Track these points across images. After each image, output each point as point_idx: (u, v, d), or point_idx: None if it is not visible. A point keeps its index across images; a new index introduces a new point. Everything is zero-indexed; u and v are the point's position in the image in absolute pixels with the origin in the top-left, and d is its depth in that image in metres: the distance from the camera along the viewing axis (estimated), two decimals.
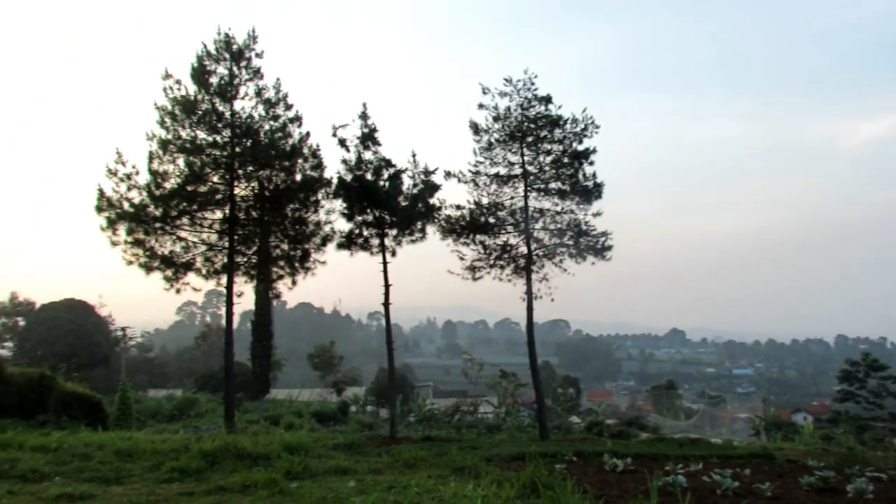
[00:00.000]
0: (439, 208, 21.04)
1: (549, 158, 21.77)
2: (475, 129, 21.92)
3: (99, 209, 18.25)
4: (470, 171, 21.92)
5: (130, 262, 18.60)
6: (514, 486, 7.40)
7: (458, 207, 21.67)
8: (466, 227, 21.67)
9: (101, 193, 18.27)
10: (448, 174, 21.43)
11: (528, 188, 21.85)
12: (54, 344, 46.25)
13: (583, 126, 21.28)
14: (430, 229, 20.94)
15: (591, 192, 21.36)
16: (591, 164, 21.39)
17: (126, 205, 18.36)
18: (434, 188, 20.43)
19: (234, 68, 19.88)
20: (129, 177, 18.50)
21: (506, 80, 21.51)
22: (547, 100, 21.40)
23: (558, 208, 21.84)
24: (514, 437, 23.71)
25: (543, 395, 23.22)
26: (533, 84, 21.39)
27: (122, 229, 18.36)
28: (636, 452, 13.54)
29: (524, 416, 37.88)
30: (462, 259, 22.09)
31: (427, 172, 20.29)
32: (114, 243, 18.37)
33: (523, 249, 21.93)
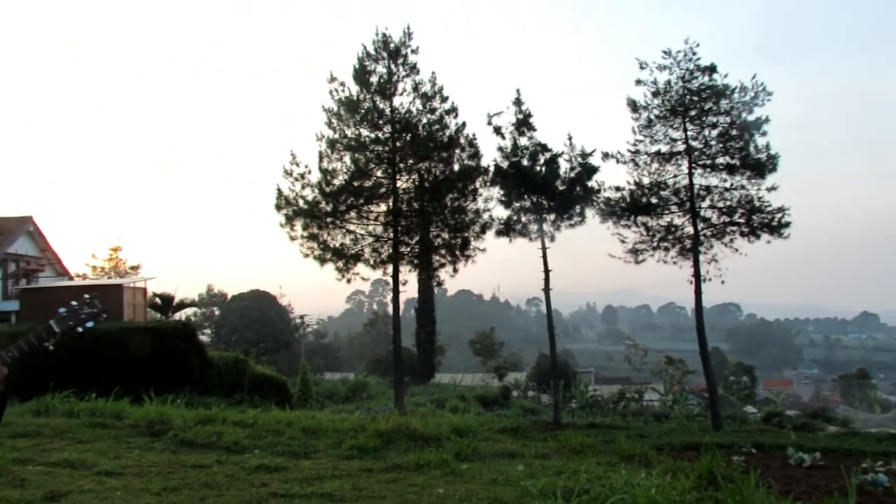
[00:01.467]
0: (598, 191, 20.54)
1: (714, 132, 20.43)
2: (633, 106, 21.09)
3: (278, 207, 19.91)
4: (629, 150, 21.15)
5: (307, 255, 20.13)
6: (690, 476, 7.08)
7: (618, 189, 21.00)
8: (627, 208, 20.95)
9: (280, 192, 19.92)
10: (606, 155, 20.83)
11: (693, 165, 20.67)
12: (244, 331, 51.21)
13: (752, 94, 19.72)
14: (589, 212, 20.53)
15: (763, 166, 19.77)
16: (764, 134, 19.80)
17: (301, 202, 19.88)
18: (592, 170, 19.98)
19: (392, 66, 20.72)
20: (302, 176, 19.99)
21: (664, 52, 20.46)
22: (711, 69, 20.08)
23: (727, 184, 20.44)
24: (683, 426, 22.69)
25: (715, 382, 21.97)
26: (694, 54, 20.16)
27: (298, 225, 19.92)
28: (825, 447, 12.40)
29: (693, 404, 36.05)
30: (623, 242, 21.40)
31: (584, 155, 19.88)
32: (292, 238, 19.98)
33: (689, 230, 20.81)
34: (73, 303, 2.35)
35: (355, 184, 20.24)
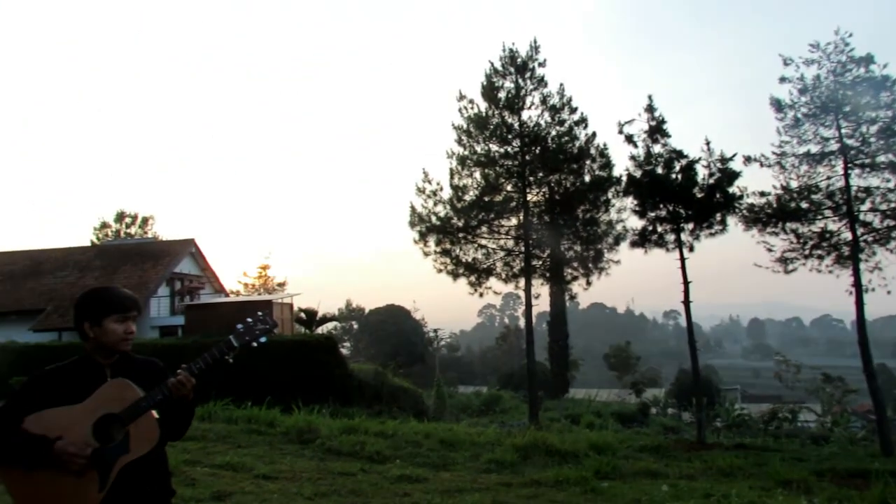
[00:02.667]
0: (740, 197, 19.28)
1: (874, 128, 18.60)
2: (777, 105, 19.66)
3: (411, 224, 20.52)
4: (773, 152, 19.68)
5: (440, 270, 20.56)
6: None
7: (763, 194, 19.60)
8: (774, 214, 19.49)
9: (413, 210, 20.54)
10: (748, 159, 19.53)
11: (849, 165, 18.93)
12: (381, 344, 53.07)
13: None
14: (731, 220, 19.34)
15: None
16: None
17: (433, 218, 20.37)
18: (733, 176, 18.84)
19: (520, 81, 20.79)
20: (434, 193, 20.50)
21: (811, 45, 18.96)
22: (867, 60, 18.35)
23: (890, 185, 18.52)
24: (847, 450, 20.65)
25: (883, 402, 19.85)
26: (847, 45, 18.51)
27: (431, 241, 20.42)
28: None
29: (856, 427, 32.75)
30: (770, 251, 19.90)
31: (723, 160, 18.80)
32: (426, 254, 20.50)
33: (847, 235, 19.01)
34: (248, 319, 2.55)
35: (486, 199, 20.44)
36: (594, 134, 20.38)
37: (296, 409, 12.54)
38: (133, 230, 49.87)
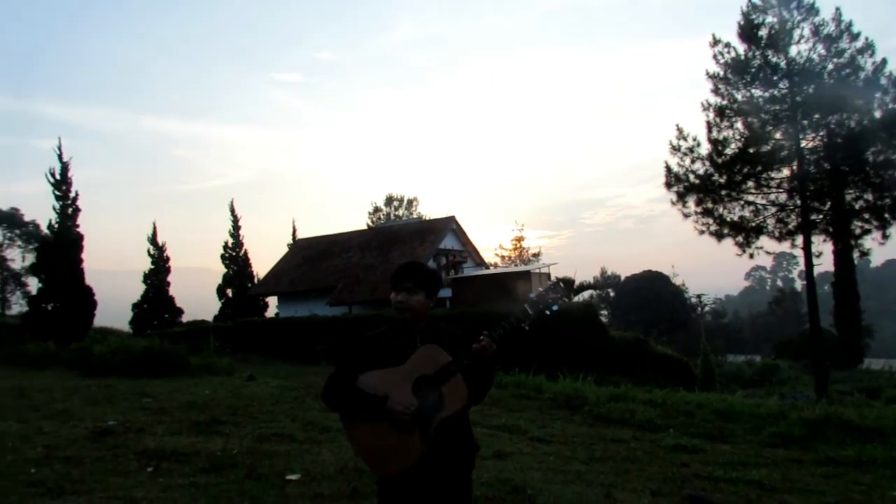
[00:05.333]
0: None
1: None
2: None
3: (668, 185, 19.54)
4: None
5: (702, 232, 19.32)
6: None
7: None
8: None
9: (668, 170, 19.52)
10: None
11: None
12: (639, 311, 51.68)
13: None
14: None
15: None
16: None
17: (692, 177, 19.16)
18: None
19: (785, 13, 18.51)
20: (691, 150, 19.24)
21: None
22: None
23: None
24: None
25: None
26: None
27: (690, 201, 19.25)
28: None
29: None
30: None
31: None
32: (685, 215, 19.41)
33: None
34: (541, 288, 2.68)
35: (751, 150, 18.65)
36: (884, 61, 17.41)
37: (560, 377, 12.81)
38: (401, 212, 54.78)
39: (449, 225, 31.14)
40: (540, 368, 13.45)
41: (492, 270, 32.15)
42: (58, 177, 26.53)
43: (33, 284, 31.68)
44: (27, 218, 53.44)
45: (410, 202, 56.14)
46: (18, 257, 54.26)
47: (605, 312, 60.51)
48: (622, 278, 63.12)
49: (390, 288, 2.71)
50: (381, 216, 54.45)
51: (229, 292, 37.32)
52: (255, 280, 36.79)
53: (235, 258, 38.07)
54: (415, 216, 51.11)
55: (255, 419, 8.43)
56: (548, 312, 2.60)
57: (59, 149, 26.66)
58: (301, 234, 39.78)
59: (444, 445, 2.51)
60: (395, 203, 55.92)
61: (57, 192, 26.50)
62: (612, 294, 65.08)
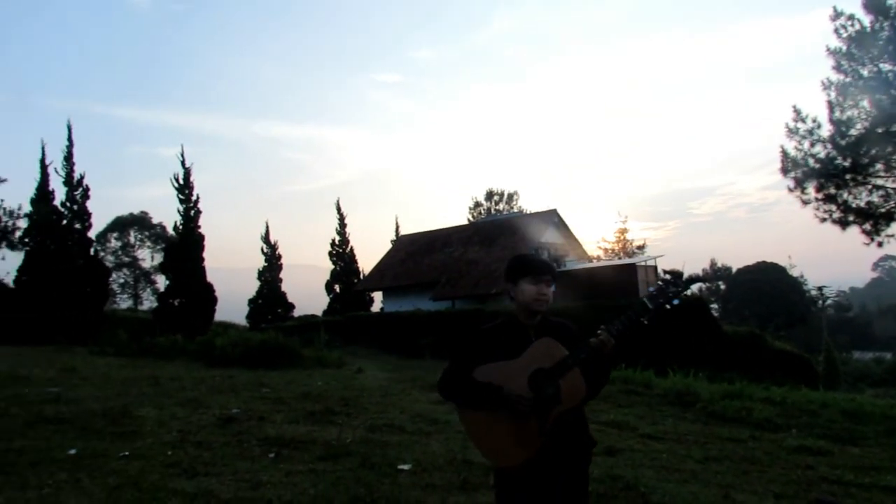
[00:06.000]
0: None
1: None
2: None
3: (784, 170, 18.34)
4: None
5: (823, 219, 18.01)
6: None
7: None
8: None
9: (785, 154, 18.35)
10: None
11: None
12: (753, 305, 49.06)
13: None
14: None
15: None
16: None
17: (811, 161, 17.92)
18: None
19: None
20: (810, 132, 18.00)
21: None
22: None
23: None
24: None
25: None
26: None
27: (810, 187, 18.01)
28: None
29: None
30: None
31: None
32: (804, 202, 18.15)
33: None
34: (660, 282, 2.62)
35: (879, 130, 17.20)
36: None
37: (670, 373, 12.41)
38: (501, 206, 54.74)
39: (550, 218, 30.82)
40: (648, 364, 13.08)
41: (595, 264, 31.53)
42: (181, 181, 28.45)
43: (161, 282, 34.16)
44: (155, 220, 57.71)
45: (511, 196, 56.00)
46: (148, 257, 58.75)
47: (715, 306, 57.94)
48: (734, 270, 60.12)
49: (511, 281, 2.69)
50: (482, 211, 54.63)
51: (337, 288, 38.71)
52: (361, 276, 37.94)
53: (342, 255, 39.42)
54: (515, 210, 50.92)
55: (366, 410, 8.72)
56: (668, 307, 2.53)
57: (182, 155, 28.57)
58: (404, 230, 40.65)
59: (561, 439, 2.51)
60: (496, 198, 55.93)
61: (180, 196, 28.42)
62: (722, 287, 62.15)
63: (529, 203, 60.82)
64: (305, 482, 5.03)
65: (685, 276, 2.60)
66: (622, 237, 47.33)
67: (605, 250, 47.88)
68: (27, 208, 28.14)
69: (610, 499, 4.76)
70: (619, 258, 42.53)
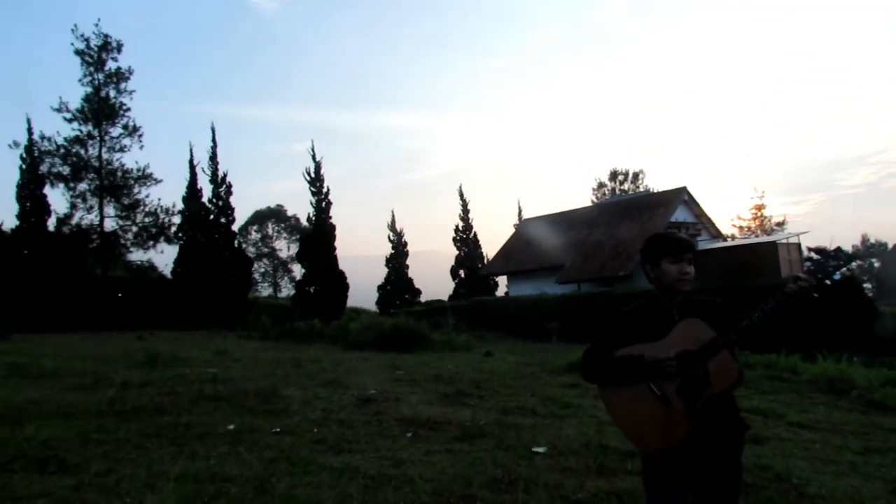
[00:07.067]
0: None
1: None
2: None
3: None
4: None
5: None
6: None
7: None
8: None
9: None
10: None
11: None
12: None
13: None
14: None
15: None
16: None
17: None
18: None
19: None
20: None
21: None
22: None
23: None
24: None
25: None
26: None
27: None
28: None
29: None
30: None
31: None
32: None
33: None
34: (816, 256, 2.43)
35: None
36: None
37: (819, 357, 11.55)
38: (626, 186, 53.12)
39: (680, 196, 29.49)
40: (793, 348, 12.23)
41: (731, 242, 29.87)
42: (312, 174, 29.97)
43: (297, 271, 36.24)
44: (289, 213, 61.26)
45: (636, 175, 54.23)
46: (284, 247, 62.56)
47: (868, 286, 53.16)
48: (889, 246, 54.74)
49: (650, 262, 2.59)
50: (606, 192, 53.30)
51: (461, 273, 39.30)
52: (485, 260, 38.27)
53: (466, 240, 39.95)
54: (641, 190, 49.21)
55: (497, 393, 8.82)
56: (828, 282, 2.34)
57: (312, 150, 30.10)
58: (526, 214, 40.48)
59: (711, 424, 2.41)
60: (620, 177, 54.38)
61: (312, 189, 29.96)
62: (875, 265, 56.84)
63: (656, 182, 58.52)
64: (444, 462, 5.18)
65: (830, 252, 2.38)
66: (759, 213, 44.52)
67: (741, 228, 45.28)
68: (180, 206, 30.78)
69: (759, 489, 4.52)
70: (757, 236, 40.04)
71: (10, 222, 26.96)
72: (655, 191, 40.84)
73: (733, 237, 40.44)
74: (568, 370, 10.96)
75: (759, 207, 44.82)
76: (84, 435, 5.77)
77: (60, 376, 9.60)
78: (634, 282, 24.48)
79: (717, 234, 30.55)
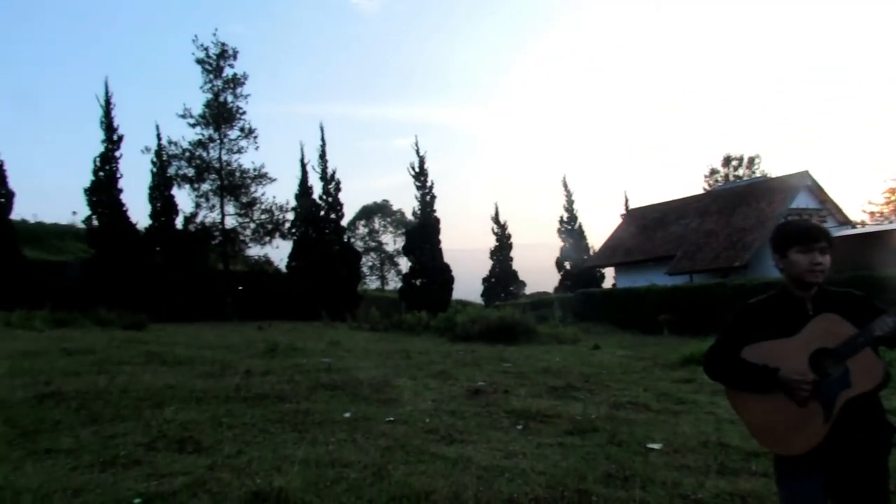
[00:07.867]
0: None
1: None
2: None
3: None
4: None
5: None
6: None
7: None
8: None
9: None
10: None
11: None
12: None
13: None
14: None
15: None
16: None
17: None
18: None
19: None
20: None
21: None
22: None
23: None
24: None
25: None
26: None
27: None
28: None
29: None
30: None
31: None
32: None
33: None
34: None
35: None
36: None
37: None
38: (741, 172, 50.39)
39: (802, 181, 27.60)
40: None
41: (862, 229, 27.65)
42: (416, 169, 30.49)
43: (404, 264, 37.07)
44: (395, 207, 62.66)
45: (752, 160, 51.28)
46: (391, 241, 64.14)
47: None
48: None
49: (778, 252, 2.42)
50: (719, 178, 50.76)
51: (567, 265, 38.76)
52: (591, 252, 37.52)
53: (571, 232, 39.34)
54: (757, 175, 46.50)
55: (608, 387, 8.64)
56: None
57: (416, 145, 30.62)
58: (633, 204, 39.30)
59: (852, 427, 2.22)
60: (734, 163, 51.61)
61: (417, 183, 30.49)
62: None
63: (773, 167, 55.08)
64: (556, 455, 5.14)
65: None
66: (892, 198, 40.91)
67: (872, 214, 41.80)
68: (293, 203, 32.24)
69: None
70: (891, 222, 36.84)
71: (144, 222, 29.26)
72: (773, 176, 38.48)
73: (863, 224, 37.39)
74: (682, 364, 10.58)
75: (893, 190, 41.21)
76: (215, 418, 6.19)
77: (192, 364, 10.32)
78: (751, 273, 23.20)
79: (846, 221, 28.36)
